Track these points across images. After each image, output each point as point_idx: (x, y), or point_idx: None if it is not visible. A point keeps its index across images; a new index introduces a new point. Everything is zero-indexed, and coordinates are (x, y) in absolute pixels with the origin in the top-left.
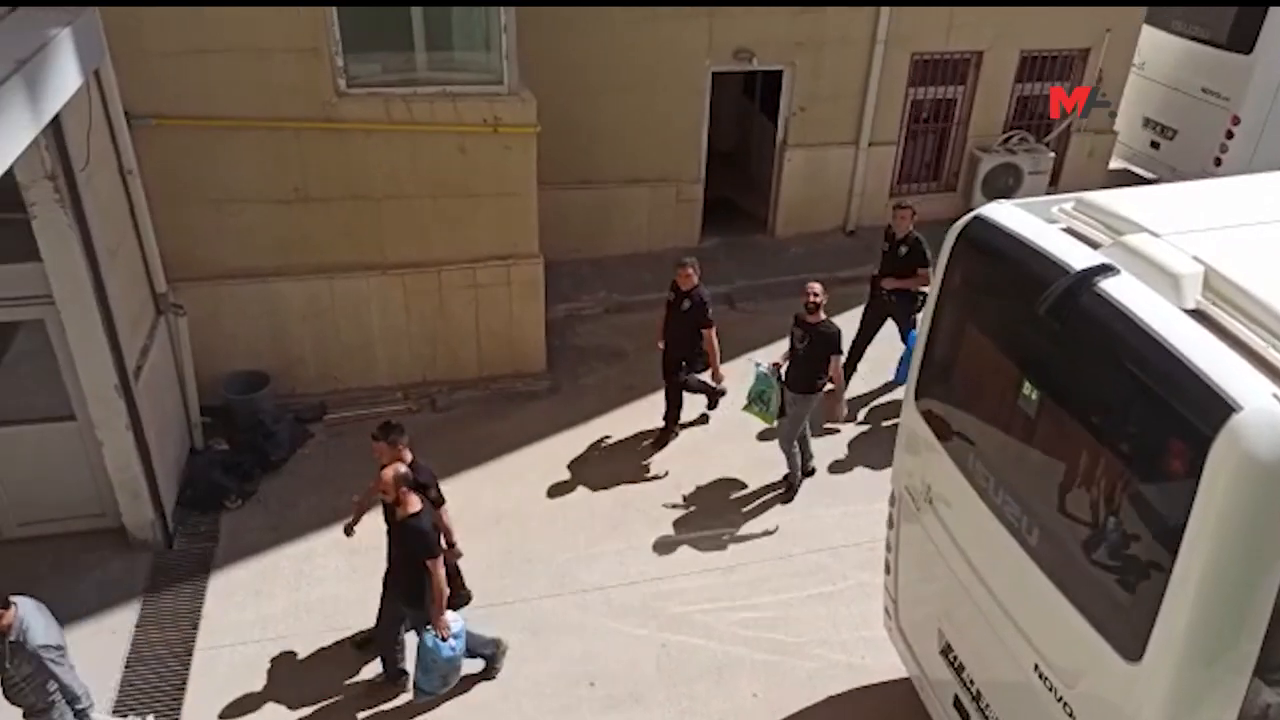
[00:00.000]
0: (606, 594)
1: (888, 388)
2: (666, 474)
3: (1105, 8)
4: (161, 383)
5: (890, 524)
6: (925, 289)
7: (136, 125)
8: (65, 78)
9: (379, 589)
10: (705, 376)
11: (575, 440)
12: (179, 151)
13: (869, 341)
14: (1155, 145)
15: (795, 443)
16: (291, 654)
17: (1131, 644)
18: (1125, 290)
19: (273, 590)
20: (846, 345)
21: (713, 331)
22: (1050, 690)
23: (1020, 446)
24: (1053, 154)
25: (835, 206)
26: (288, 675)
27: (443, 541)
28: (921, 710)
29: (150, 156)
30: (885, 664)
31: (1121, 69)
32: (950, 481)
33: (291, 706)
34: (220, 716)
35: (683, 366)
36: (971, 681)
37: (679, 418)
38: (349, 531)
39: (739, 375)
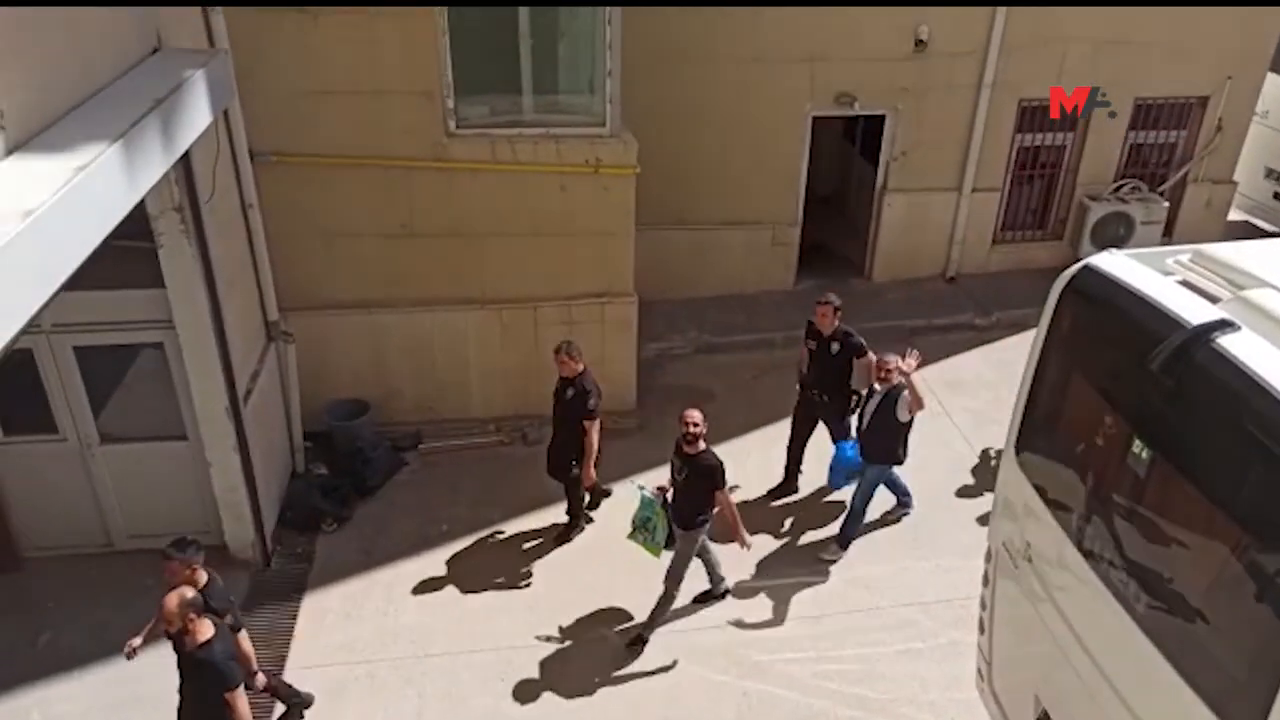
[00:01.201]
0: (689, 637)
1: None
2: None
3: (1227, 57)
4: (269, 407)
5: (986, 581)
6: (878, 383)
7: (258, 161)
8: (197, 116)
9: (463, 618)
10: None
11: (661, 479)
12: (296, 186)
13: (804, 447)
14: (1278, 197)
15: (707, 563)
16: (376, 677)
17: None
18: (1246, 347)
19: (361, 614)
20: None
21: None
22: None
23: (1128, 506)
24: (1167, 204)
25: (935, 253)
26: (371, 698)
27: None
28: None
29: (269, 191)
30: None
31: (1243, 118)
32: (1051, 540)
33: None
34: None
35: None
36: None
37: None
38: (130, 655)
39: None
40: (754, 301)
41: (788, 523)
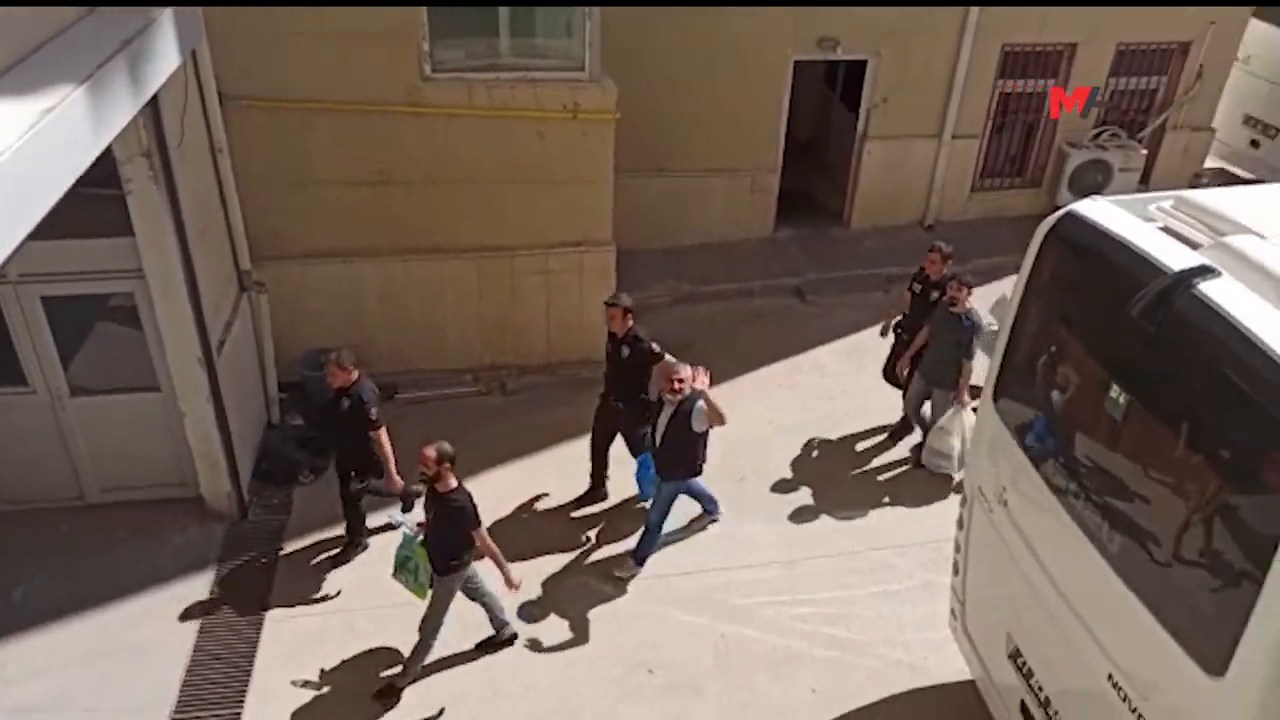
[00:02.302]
0: (667, 582)
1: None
2: (729, 467)
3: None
4: (242, 358)
5: (960, 524)
6: (668, 395)
7: (229, 105)
8: (165, 57)
9: None
10: None
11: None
12: (267, 132)
13: (604, 456)
14: (1255, 144)
15: (485, 606)
16: (354, 627)
17: (1215, 658)
18: (1226, 293)
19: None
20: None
21: None
22: (1124, 701)
23: (1104, 450)
24: (1145, 151)
25: (914, 200)
26: (349, 647)
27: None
28: (983, 714)
29: (240, 137)
30: (948, 666)
31: (1224, 64)
32: (1027, 483)
33: (351, 676)
34: (287, 684)
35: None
36: (1040, 688)
37: None
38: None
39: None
40: (733, 250)
41: (752, 472)
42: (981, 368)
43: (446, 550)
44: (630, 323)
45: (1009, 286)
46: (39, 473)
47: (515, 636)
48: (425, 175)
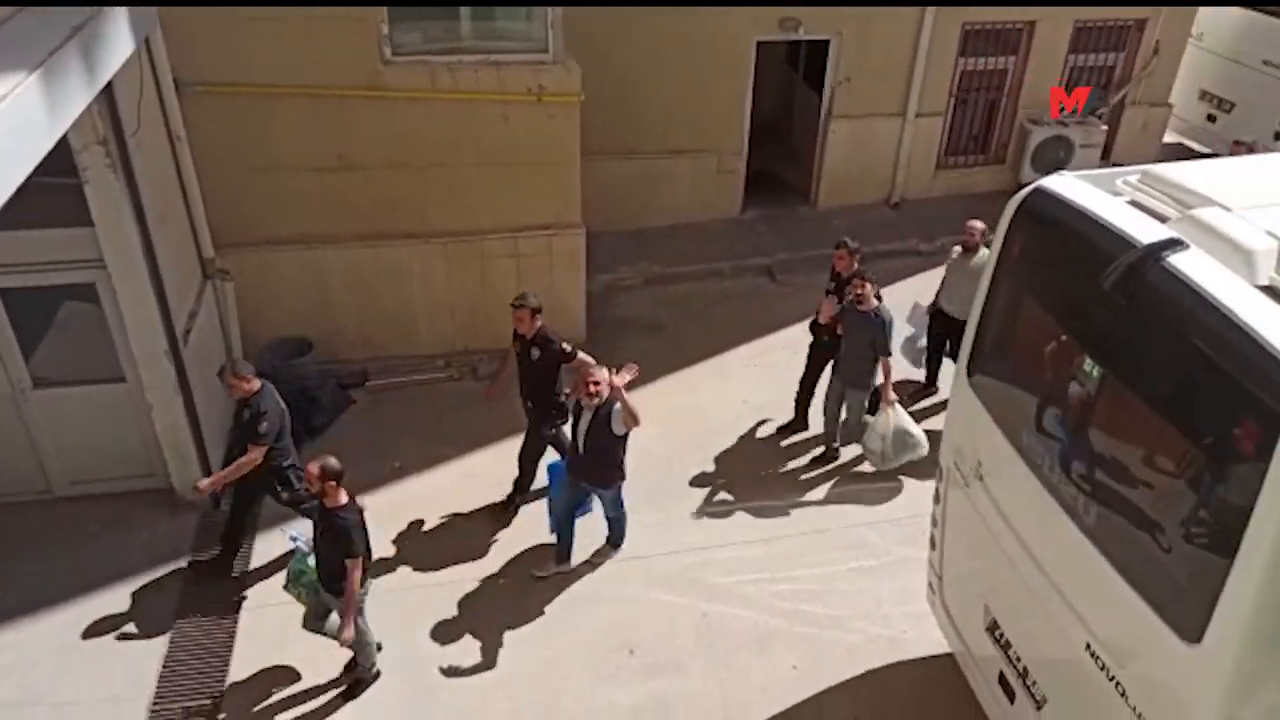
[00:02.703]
0: (647, 563)
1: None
2: (705, 446)
3: None
4: (209, 347)
5: (937, 498)
6: (584, 399)
7: (185, 92)
8: (118, 44)
9: (413, 556)
10: None
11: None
12: (226, 119)
13: (534, 462)
14: (1212, 119)
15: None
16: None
17: (1191, 625)
18: (1195, 265)
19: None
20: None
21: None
22: (1102, 670)
23: (1078, 423)
24: (1105, 127)
25: (880, 179)
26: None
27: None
28: (963, 686)
29: (198, 124)
30: (927, 639)
31: (1179, 40)
32: (1002, 457)
33: (330, 664)
34: (264, 673)
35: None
36: (1018, 659)
37: None
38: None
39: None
40: (701, 230)
41: (726, 451)
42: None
43: (330, 572)
44: (539, 323)
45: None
46: (3, 466)
47: (379, 675)
48: (388, 160)
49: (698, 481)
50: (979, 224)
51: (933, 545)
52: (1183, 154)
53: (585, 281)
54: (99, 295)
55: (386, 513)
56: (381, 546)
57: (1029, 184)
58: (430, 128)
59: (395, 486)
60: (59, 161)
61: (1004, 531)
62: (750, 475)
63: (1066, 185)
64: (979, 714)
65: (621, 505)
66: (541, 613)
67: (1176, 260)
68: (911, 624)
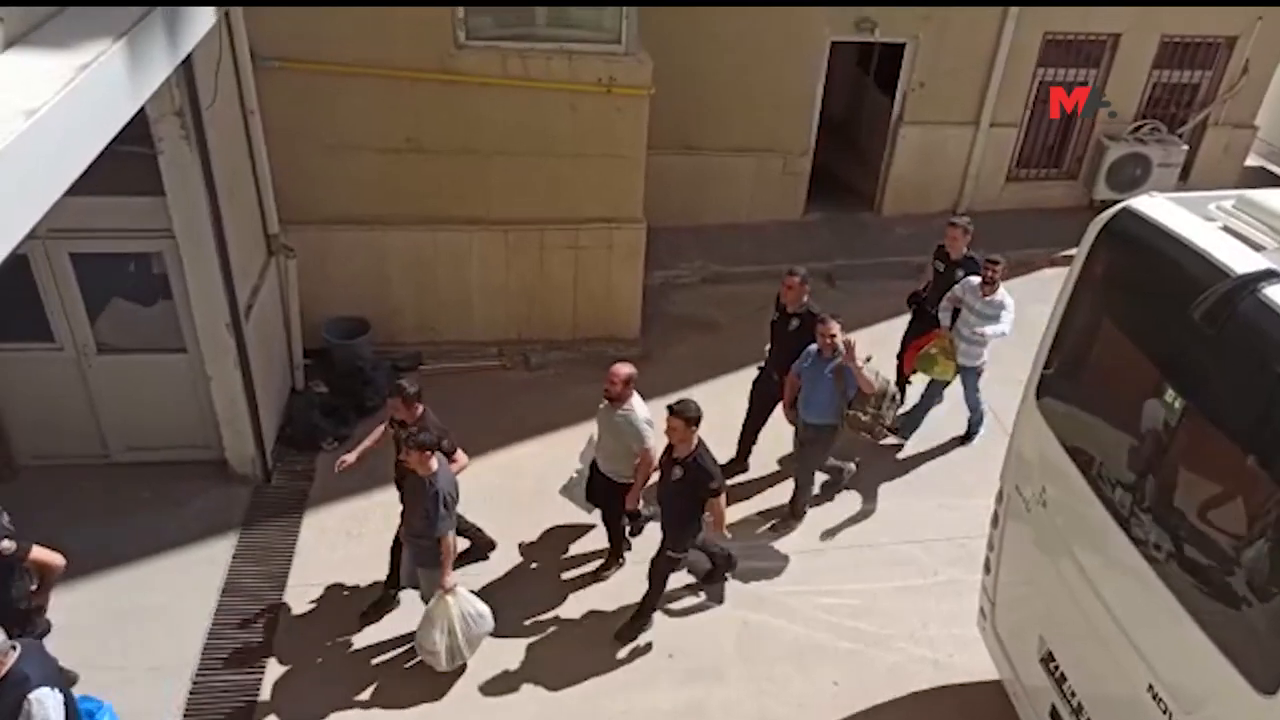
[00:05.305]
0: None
1: None
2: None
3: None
4: (269, 322)
5: (995, 522)
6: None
7: (261, 67)
8: (200, 16)
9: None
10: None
11: (663, 409)
12: (299, 95)
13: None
14: None
15: None
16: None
17: (1267, 675)
18: None
19: (362, 533)
20: None
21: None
22: (1165, 713)
23: (1155, 456)
24: (1185, 146)
25: (947, 188)
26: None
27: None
28: (1008, 714)
29: (271, 99)
30: (973, 664)
31: (1270, 59)
32: (1068, 485)
33: (372, 643)
34: (308, 649)
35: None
36: (1073, 694)
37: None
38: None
39: None
40: (761, 231)
41: (777, 460)
42: None
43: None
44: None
45: (1029, 281)
46: (65, 430)
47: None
48: (455, 145)
49: (746, 486)
50: (624, 369)
51: (987, 569)
52: (1266, 179)
53: (643, 276)
54: (166, 265)
55: None
56: None
57: (1102, 201)
58: (499, 114)
59: None
60: (132, 131)
61: (1066, 561)
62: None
63: (1156, 207)
64: None
65: None
66: (581, 611)
67: (1273, 292)
68: (958, 648)
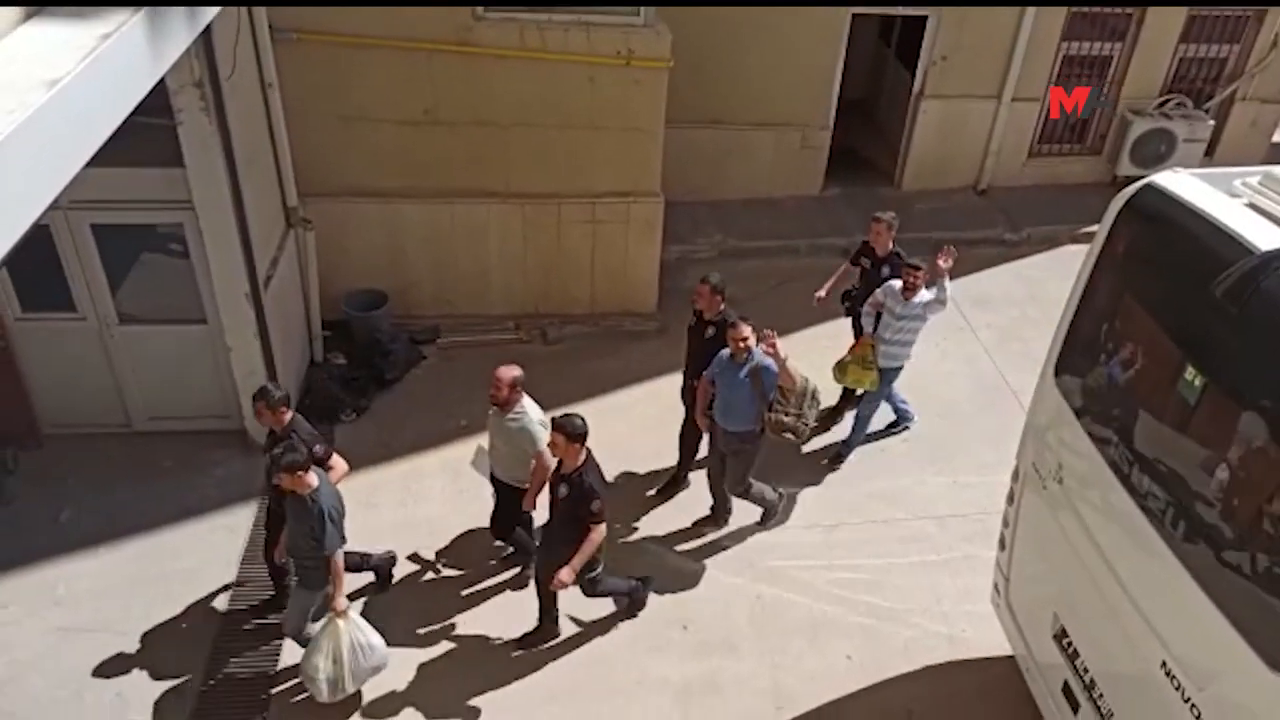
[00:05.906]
0: (705, 541)
1: None
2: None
3: None
4: (288, 294)
5: (1010, 499)
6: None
7: (279, 38)
8: None
9: (480, 514)
10: None
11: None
12: (317, 67)
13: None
14: None
15: None
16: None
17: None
18: None
19: (380, 504)
20: None
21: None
22: (1177, 689)
23: (1174, 433)
24: (1212, 122)
25: (968, 163)
26: (391, 585)
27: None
28: (1021, 690)
29: (289, 71)
30: (987, 639)
31: None
32: (1086, 462)
33: (392, 614)
34: None
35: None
36: (1085, 670)
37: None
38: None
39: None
40: (779, 206)
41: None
42: None
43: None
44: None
45: (1051, 258)
46: (87, 398)
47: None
48: (473, 117)
49: (762, 460)
50: (509, 372)
51: (1002, 545)
52: None
53: (660, 250)
54: (186, 236)
55: (453, 469)
56: (440, 504)
57: (1125, 177)
58: (517, 87)
59: (459, 443)
60: (152, 102)
61: (1081, 538)
62: (815, 460)
63: (1180, 183)
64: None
65: None
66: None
67: None
68: (971, 623)
